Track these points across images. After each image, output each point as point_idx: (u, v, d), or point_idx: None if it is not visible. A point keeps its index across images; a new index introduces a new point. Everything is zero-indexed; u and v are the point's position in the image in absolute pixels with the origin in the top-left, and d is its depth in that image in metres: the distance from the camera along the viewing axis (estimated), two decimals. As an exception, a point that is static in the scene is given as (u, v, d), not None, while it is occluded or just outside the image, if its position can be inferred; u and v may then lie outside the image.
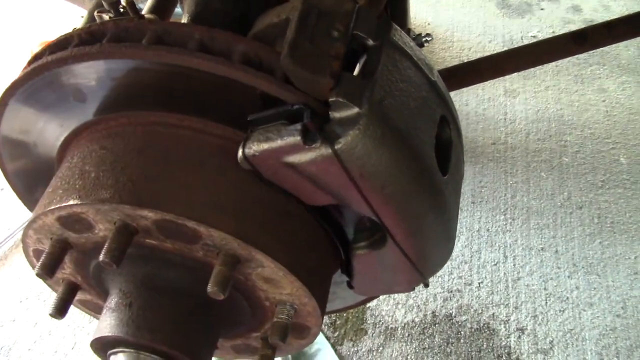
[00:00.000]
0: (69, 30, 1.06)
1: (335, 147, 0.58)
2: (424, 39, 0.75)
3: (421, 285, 0.76)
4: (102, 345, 0.71)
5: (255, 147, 0.60)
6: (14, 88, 0.69)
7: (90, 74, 0.66)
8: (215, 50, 0.63)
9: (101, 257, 0.62)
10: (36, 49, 1.86)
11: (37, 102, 0.72)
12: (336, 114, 0.59)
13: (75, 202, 0.64)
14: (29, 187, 0.87)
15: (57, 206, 0.66)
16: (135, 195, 0.63)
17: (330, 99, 0.59)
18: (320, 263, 0.73)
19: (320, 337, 1.48)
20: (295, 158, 0.60)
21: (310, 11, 0.63)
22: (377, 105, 0.59)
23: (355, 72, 0.63)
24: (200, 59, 0.61)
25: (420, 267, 0.71)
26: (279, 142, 0.59)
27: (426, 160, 0.64)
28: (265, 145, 0.60)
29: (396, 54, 0.65)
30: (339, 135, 0.58)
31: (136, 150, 0.67)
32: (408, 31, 0.81)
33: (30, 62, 0.70)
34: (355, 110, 0.58)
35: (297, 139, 0.58)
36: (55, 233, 0.70)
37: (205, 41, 0.63)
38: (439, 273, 1.60)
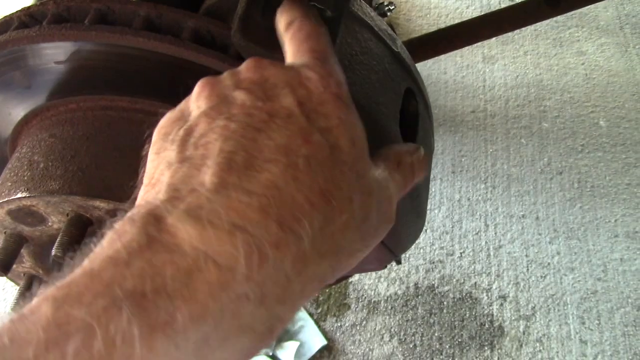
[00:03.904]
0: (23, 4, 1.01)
1: (292, 126, 0.55)
2: (386, 8, 0.72)
3: (393, 262, 0.75)
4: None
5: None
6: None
7: (32, 58, 0.63)
8: (163, 28, 0.59)
9: (53, 252, 0.59)
10: None
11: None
12: (292, 91, 0.56)
13: (24, 194, 0.61)
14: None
15: (5, 199, 0.63)
16: (86, 184, 0.60)
17: (286, 76, 0.56)
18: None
19: (303, 314, 1.47)
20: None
21: (263, -18, 0.59)
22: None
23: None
24: (146, 37, 0.58)
25: (390, 245, 0.69)
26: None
27: (390, 135, 0.61)
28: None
29: (356, 25, 0.62)
30: (295, 113, 0.55)
31: (86, 136, 0.64)
32: (370, 1, 0.78)
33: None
34: (312, 86, 0.55)
35: (252, 119, 0.55)
36: (8, 227, 0.67)
37: (152, 18, 0.59)
38: (421, 244, 1.59)
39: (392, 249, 0.70)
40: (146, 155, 0.41)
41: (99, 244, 0.33)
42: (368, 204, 0.38)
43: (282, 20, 0.50)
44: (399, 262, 0.74)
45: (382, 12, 0.74)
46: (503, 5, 2.18)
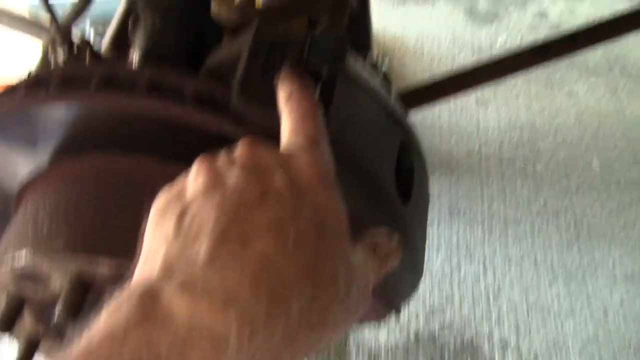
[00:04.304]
0: (27, 67, 1.05)
1: (292, 184, 0.56)
2: (380, 65, 0.75)
3: (392, 314, 0.75)
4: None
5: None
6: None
7: (40, 121, 0.64)
8: (166, 90, 0.61)
9: (56, 313, 0.60)
10: None
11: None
12: (292, 151, 0.57)
13: (28, 253, 0.62)
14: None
15: (9, 259, 0.63)
16: (90, 244, 0.61)
17: (285, 136, 0.57)
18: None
19: (303, 362, 1.46)
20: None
21: (262, 44, 0.62)
22: (332, 140, 0.58)
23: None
24: (150, 101, 0.60)
25: (387, 299, 0.70)
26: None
27: (386, 191, 0.63)
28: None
29: (351, 85, 0.64)
30: (295, 172, 0.57)
31: (91, 196, 0.65)
32: (365, 58, 0.81)
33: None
34: (311, 146, 0.57)
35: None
36: (10, 288, 0.67)
37: (156, 81, 0.61)
38: (420, 290, 1.58)
39: (389, 302, 0.71)
40: (144, 229, 0.42)
41: (96, 319, 0.34)
42: (350, 280, 0.40)
43: (281, 91, 0.52)
44: (398, 311, 0.75)
45: (376, 68, 0.77)
46: (494, 49, 2.24)
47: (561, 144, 1.92)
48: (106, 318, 0.33)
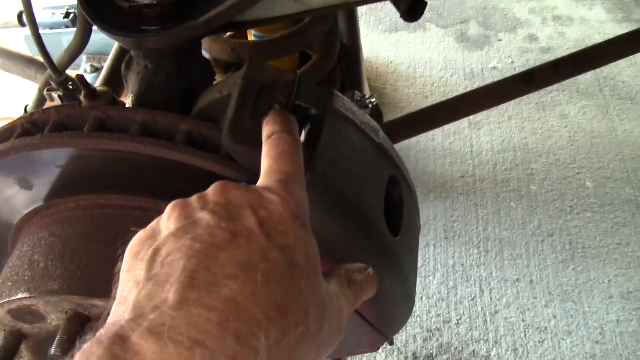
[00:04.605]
0: (22, 107, 1.06)
1: (282, 223, 0.58)
2: (368, 101, 0.77)
3: (386, 343, 0.76)
4: None
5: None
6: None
7: (35, 163, 0.66)
8: (159, 132, 0.63)
9: (52, 351, 0.61)
10: None
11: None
12: (281, 189, 0.59)
13: (24, 295, 0.63)
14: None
15: (6, 300, 0.64)
16: (85, 284, 0.62)
17: (274, 175, 0.59)
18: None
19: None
20: (243, 235, 0.60)
21: (251, 86, 0.64)
22: (321, 177, 0.60)
23: (301, 142, 0.64)
24: (143, 143, 0.61)
25: (381, 329, 0.71)
26: (225, 222, 0.59)
27: (376, 225, 0.64)
28: (212, 225, 0.60)
29: (339, 121, 0.66)
30: (284, 210, 0.58)
31: (85, 235, 0.66)
32: (352, 95, 0.83)
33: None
34: (299, 184, 0.58)
35: (243, 217, 0.58)
36: (8, 325, 0.68)
37: (148, 123, 0.63)
38: (417, 313, 1.59)
39: (383, 332, 0.72)
40: (119, 272, 0.43)
41: None
42: (322, 316, 0.41)
43: (264, 131, 0.54)
44: (391, 344, 0.76)
45: (364, 104, 0.79)
46: (486, 73, 2.27)
47: (554, 165, 1.94)
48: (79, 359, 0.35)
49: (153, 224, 0.46)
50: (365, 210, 0.64)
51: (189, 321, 0.35)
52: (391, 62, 2.34)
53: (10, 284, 0.66)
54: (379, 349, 0.76)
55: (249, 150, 0.59)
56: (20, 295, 0.63)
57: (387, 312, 0.70)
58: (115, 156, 0.64)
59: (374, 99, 0.83)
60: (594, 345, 1.51)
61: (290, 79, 0.66)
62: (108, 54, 1.28)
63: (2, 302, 0.65)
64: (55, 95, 0.88)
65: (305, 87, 0.66)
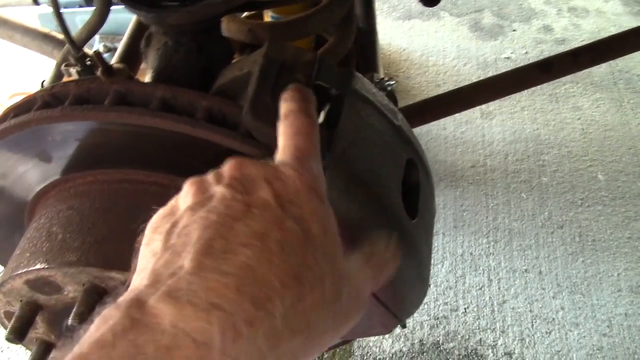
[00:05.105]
0: (39, 82, 1.07)
1: (300, 201, 0.58)
2: (386, 83, 0.76)
3: (398, 326, 0.76)
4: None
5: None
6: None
7: (54, 136, 0.66)
8: (178, 107, 0.63)
9: (70, 322, 0.62)
10: (5, 102, 1.85)
11: (15, 153, 0.72)
12: (300, 167, 0.59)
13: (42, 265, 0.64)
14: (6, 235, 0.86)
15: (24, 270, 0.65)
16: (102, 256, 0.62)
17: (293, 153, 0.59)
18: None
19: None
20: (261, 212, 0.60)
21: (271, 64, 0.63)
22: (340, 157, 0.60)
23: (320, 121, 0.64)
24: (163, 118, 0.62)
25: (394, 311, 0.71)
26: (244, 198, 0.59)
27: (394, 207, 0.64)
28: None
29: (358, 101, 0.66)
30: (303, 188, 0.58)
31: (103, 209, 0.67)
32: (371, 77, 0.83)
33: (-5, 124, 0.70)
34: (319, 162, 0.58)
35: (262, 194, 0.58)
36: (24, 295, 0.69)
37: (168, 99, 0.63)
38: (425, 300, 1.59)
39: (396, 314, 0.72)
40: (139, 246, 0.44)
41: (87, 330, 0.35)
42: (338, 286, 0.41)
43: (281, 109, 0.54)
44: (403, 326, 0.76)
45: (382, 87, 0.78)
46: (499, 63, 2.25)
47: (566, 157, 1.93)
48: (96, 326, 0.35)
49: (172, 201, 0.46)
50: (383, 192, 0.63)
51: (205, 286, 0.36)
52: (404, 50, 2.32)
53: (28, 254, 0.67)
54: (391, 331, 0.77)
55: (268, 127, 0.59)
56: (38, 266, 0.64)
57: (402, 294, 0.70)
58: (135, 131, 0.64)
59: (393, 82, 0.83)
60: (601, 338, 1.51)
61: (310, 58, 0.66)
62: (121, 34, 1.27)
63: (20, 272, 0.66)
64: (72, 70, 0.88)
65: (326, 67, 0.65)
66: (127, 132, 0.64)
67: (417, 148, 0.74)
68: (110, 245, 0.63)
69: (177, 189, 0.66)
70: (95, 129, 0.65)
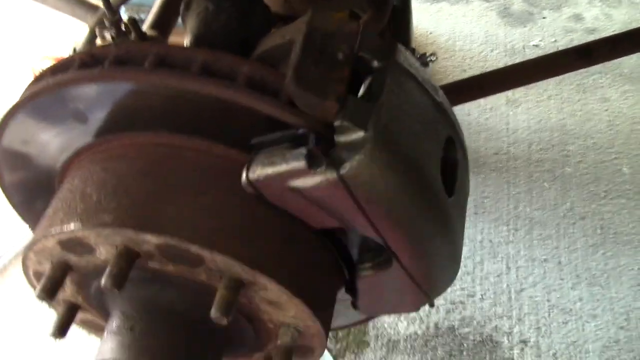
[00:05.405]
0: (71, 45, 1.06)
1: (341, 172, 0.57)
2: (428, 59, 0.74)
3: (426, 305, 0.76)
4: (103, 369, 0.70)
5: (259, 172, 0.60)
6: (16, 109, 0.69)
7: (92, 96, 0.66)
8: (219, 72, 0.62)
9: (103, 282, 0.61)
10: (38, 63, 1.85)
11: (40, 120, 0.71)
12: (341, 138, 0.58)
13: (77, 226, 0.63)
14: (28, 200, 0.86)
15: (58, 230, 0.65)
16: (138, 218, 0.62)
17: (336, 123, 0.58)
18: (324, 285, 0.72)
19: (322, 350, 1.47)
20: (300, 182, 0.59)
21: (315, 33, 0.62)
22: (383, 130, 0.59)
23: (360, 94, 0.62)
24: (204, 82, 0.61)
25: (426, 289, 0.71)
26: (283, 167, 0.58)
27: (433, 184, 0.63)
28: (269, 170, 0.59)
29: (401, 75, 0.64)
30: (344, 160, 0.57)
31: (139, 172, 0.66)
32: (412, 50, 0.81)
33: (32, 84, 0.70)
34: (361, 134, 0.57)
35: (302, 163, 0.57)
36: (55, 256, 0.69)
37: (209, 64, 0.62)
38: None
39: (427, 292, 0.72)
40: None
41: None
42: None
43: None
44: (432, 305, 0.75)
45: (424, 62, 0.77)
46: (527, 51, 2.22)
47: (591, 148, 1.90)
48: None
49: None
50: (424, 168, 0.62)
51: None
52: (430, 33, 2.29)
53: (61, 214, 0.66)
54: (419, 309, 0.76)
55: (312, 95, 0.58)
56: (72, 226, 0.64)
57: (434, 272, 0.70)
58: (174, 94, 0.63)
59: (434, 57, 0.81)
60: (618, 331, 1.50)
61: (354, 28, 0.64)
62: (148, 6, 1.26)
63: (53, 232, 0.66)
64: (107, 34, 0.88)
65: (368, 37, 0.64)
66: (166, 95, 0.63)
67: (457, 126, 0.73)
68: (146, 208, 0.63)
69: (214, 155, 0.66)
70: (133, 91, 0.64)
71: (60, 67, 0.68)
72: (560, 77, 2.12)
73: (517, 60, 2.14)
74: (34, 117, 0.71)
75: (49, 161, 0.77)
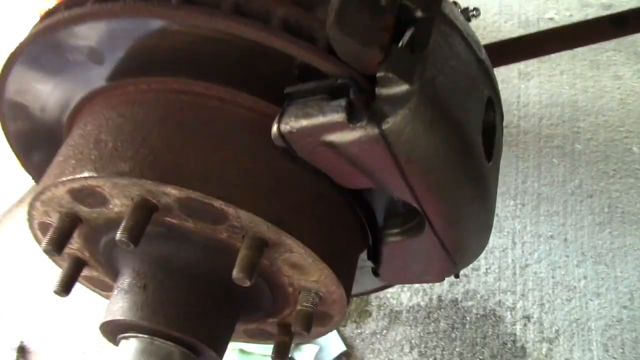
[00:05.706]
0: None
1: (383, 127, 0.53)
2: (471, 14, 0.70)
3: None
4: (112, 329, 0.66)
5: (292, 123, 0.55)
6: (25, 45, 0.63)
7: (110, 34, 0.60)
8: (252, 13, 0.57)
9: (118, 236, 0.57)
10: (43, 2, 1.75)
11: (48, 63, 0.66)
12: (384, 91, 0.53)
13: (91, 174, 0.59)
14: (28, 150, 0.81)
15: (69, 178, 0.60)
16: (158, 169, 0.57)
17: (378, 74, 0.53)
18: (349, 250, 0.68)
19: (323, 318, 1.45)
20: (336, 137, 0.55)
21: (356, -23, 0.57)
22: (429, 84, 0.54)
23: (403, 45, 0.58)
24: (236, 22, 0.55)
25: (455, 257, 0.67)
26: (320, 119, 0.54)
27: (475, 146, 0.59)
28: (304, 122, 0.55)
29: (447, 28, 0.60)
30: (386, 114, 0.53)
31: (158, 119, 0.61)
32: (454, 4, 0.76)
33: (42, 19, 0.64)
34: (406, 87, 0.53)
35: (341, 116, 0.53)
36: (65, 206, 0.64)
37: (241, 3, 0.57)
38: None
39: (455, 260, 0.68)
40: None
41: None
42: None
43: None
44: (457, 276, 0.72)
45: (466, 17, 0.72)
46: (541, 23, 2.16)
47: (602, 126, 1.86)
48: None
49: None
50: (466, 128, 0.58)
51: None
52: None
53: (73, 161, 0.62)
54: (443, 279, 0.73)
55: (354, 42, 0.53)
56: (85, 174, 0.59)
57: (466, 240, 0.66)
58: (201, 34, 0.58)
59: (477, 12, 0.76)
60: (621, 310, 1.49)
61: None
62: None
63: (64, 179, 0.61)
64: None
65: (413, -14, 0.59)
66: (192, 35, 0.58)
67: (496, 87, 0.68)
68: (167, 158, 0.58)
69: (238, 104, 0.61)
70: (157, 29, 0.59)
71: (76, 0, 0.62)
72: (574, 52, 2.06)
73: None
74: (38, 64, 0.66)
75: (54, 113, 0.72)
